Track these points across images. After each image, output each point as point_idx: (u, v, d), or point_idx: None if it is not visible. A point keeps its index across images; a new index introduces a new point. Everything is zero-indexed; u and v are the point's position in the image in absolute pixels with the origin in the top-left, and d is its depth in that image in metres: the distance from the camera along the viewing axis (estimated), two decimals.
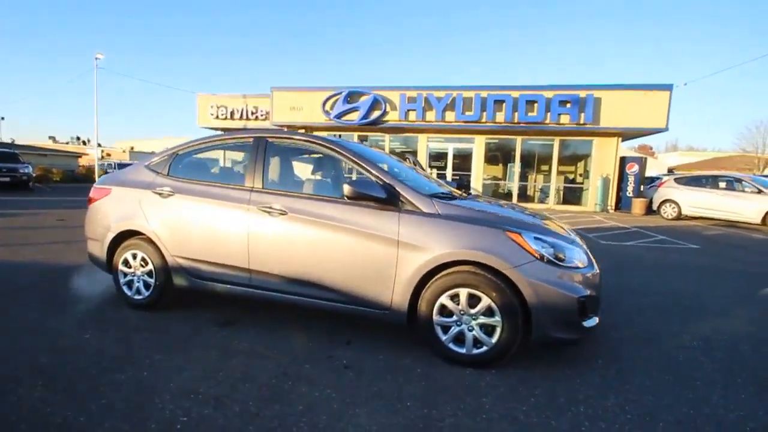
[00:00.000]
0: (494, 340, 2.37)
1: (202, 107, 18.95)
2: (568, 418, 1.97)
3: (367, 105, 15.10)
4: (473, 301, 2.40)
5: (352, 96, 15.44)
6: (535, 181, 16.44)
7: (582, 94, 13.29)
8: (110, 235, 3.32)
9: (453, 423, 1.90)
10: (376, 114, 15.19)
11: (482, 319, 2.39)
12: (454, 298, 2.43)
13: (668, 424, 1.95)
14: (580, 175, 16.36)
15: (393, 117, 15.16)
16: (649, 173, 17.73)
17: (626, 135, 14.70)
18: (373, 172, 2.70)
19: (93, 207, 3.51)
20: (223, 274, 3.00)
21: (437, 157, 16.46)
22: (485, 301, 2.36)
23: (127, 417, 1.89)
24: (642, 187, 14.72)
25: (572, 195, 15.89)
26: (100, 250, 3.41)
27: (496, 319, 2.35)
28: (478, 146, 15.65)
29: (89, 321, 3.03)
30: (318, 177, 3.34)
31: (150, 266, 3.20)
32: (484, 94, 14.08)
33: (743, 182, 10.90)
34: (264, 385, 2.20)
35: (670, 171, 29.47)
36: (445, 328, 2.48)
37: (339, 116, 15.58)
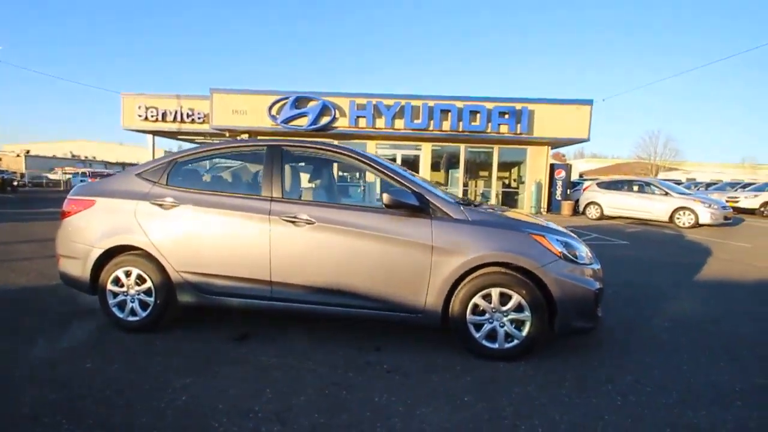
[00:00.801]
0: (524, 333, 2.59)
1: (127, 108, 17.28)
2: (603, 396, 2.24)
3: (317, 111, 14.96)
4: (504, 299, 2.60)
5: (300, 101, 15.18)
6: (476, 186, 17.49)
7: (518, 106, 14.49)
8: (96, 252, 2.99)
9: (515, 411, 2.06)
10: (325, 120, 15.09)
11: (512, 315, 2.60)
12: (486, 297, 2.61)
13: (680, 391, 2.30)
14: (515, 180, 17.75)
15: (343, 123, 15.17)
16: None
17: (556, 144, 16.29)
18: (402, 181, 2.79)
19: (70, 221, 3.13)
20: (240, 288, 2.87)
21: None
22: (516, 299, 2.57)
23: None
24: (569, 191, 16.39)
25: (510, 199, 17.16)
26: (80, 269, 3.05)
27: (526, 314, 2.57)
28: (425, 153, 16.25)
29: (80, 348, 2.71)
30: (335, 186, 3.34)
31: (148, 284, 2.95)
32: (431, 103, 14.70)
33: (652, 186, 12.69)
34: (319, 397, 2.17)
35: (581, 176, 33.04)
36: (478, 326, 2.64)
37: (286, 121, 15.21)
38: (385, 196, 2.61)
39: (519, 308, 2.58)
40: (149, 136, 18.84)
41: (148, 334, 2.93)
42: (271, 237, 2.79)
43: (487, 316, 2.63)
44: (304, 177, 3.63)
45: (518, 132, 14.65)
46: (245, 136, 16.20)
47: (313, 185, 3.30)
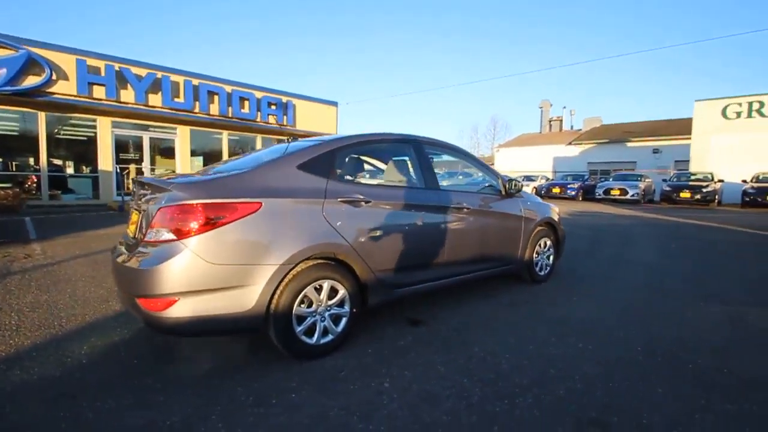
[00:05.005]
0: (550, 263, 4.41)
1: None
2: (621, 306, 4.40)
3: (17, 65, 9.99)
4: (547, 244, 4.31)
5: None
6: None
7: (284, 99, 15.37)
8: (282, 269, 2.32)
9: (589, 302, 3.88)
10: (33, 81, 10.35)
11: (547, 252, 4.36)
12: (541, 245, 4.23)
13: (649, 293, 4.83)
14: None
15: (65, 89, 10.91)
16: None
17: (312, 136, 18.23)
18: (497, 173, 3.89)
19: (209, 238, 2.17)
20: (425, 275, 3.10)
21: (127, 148, 13.38)
22: (549, 242, 4.33)
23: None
24: None
25: None
26: (245, 301, 2.23)
27: (552, 251, 4.40)
28: (182, 138, 14.18)
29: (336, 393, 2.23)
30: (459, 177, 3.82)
31: (342, 293, 2.61)
32: (195, 81, 13.08)
33: None
34: (545, 326, 3.16)
35: None
36: (536, 264, 4.22)
37: None
38: (520, 184, 3.70)
39: (549, 248, 4.37)
40: None
41: (333, 355, 2.58)
42: (448, 223, 3.21)
43: (540, 256, 4.26)
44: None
45: (284, 124, 15.58)
46: None
47: (459, 178, 3.70)
